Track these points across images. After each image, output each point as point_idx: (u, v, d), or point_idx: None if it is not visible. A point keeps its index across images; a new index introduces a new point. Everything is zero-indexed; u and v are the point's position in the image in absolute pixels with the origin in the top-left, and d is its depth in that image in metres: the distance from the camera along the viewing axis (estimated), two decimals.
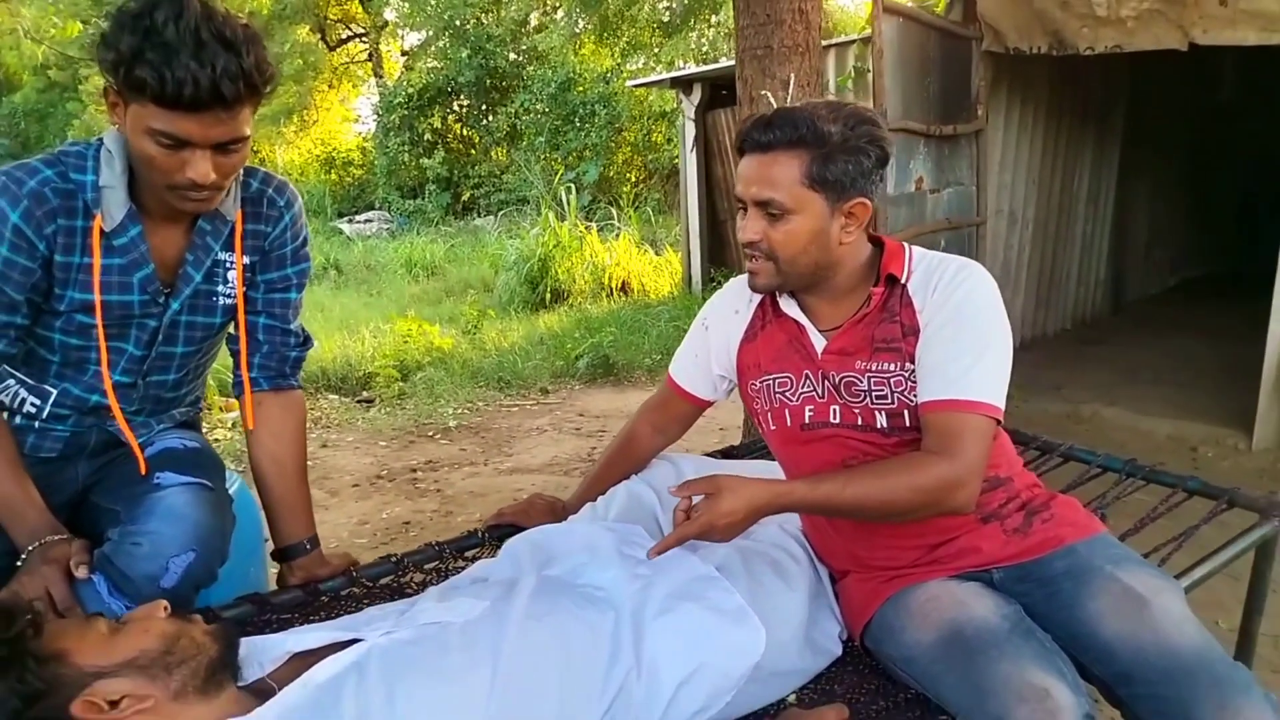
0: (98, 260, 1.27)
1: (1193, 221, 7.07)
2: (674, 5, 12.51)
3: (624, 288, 7.54)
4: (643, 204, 10.86)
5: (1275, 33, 3.21)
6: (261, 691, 0.98)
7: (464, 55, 13.65)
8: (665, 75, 8.13)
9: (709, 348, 1.54)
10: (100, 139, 1.28)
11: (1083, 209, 5.54)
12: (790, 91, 2.52)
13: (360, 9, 16.94)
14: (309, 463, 1.45)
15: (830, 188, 1.27)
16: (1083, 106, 5.17)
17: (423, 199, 13.76)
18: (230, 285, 1.39)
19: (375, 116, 14.63)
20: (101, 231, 1.26)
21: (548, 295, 7.26)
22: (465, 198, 13.83)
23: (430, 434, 4.18)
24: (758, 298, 1.47)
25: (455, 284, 8.33)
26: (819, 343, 1.37)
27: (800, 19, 2.51)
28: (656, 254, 8.17)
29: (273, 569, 1.59)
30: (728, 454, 2.04)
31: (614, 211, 9.36)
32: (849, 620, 1.39)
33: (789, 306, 1.41)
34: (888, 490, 1.22)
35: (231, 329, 1.46)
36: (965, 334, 1.27)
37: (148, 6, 1.09)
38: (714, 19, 12.31)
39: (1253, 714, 1.09)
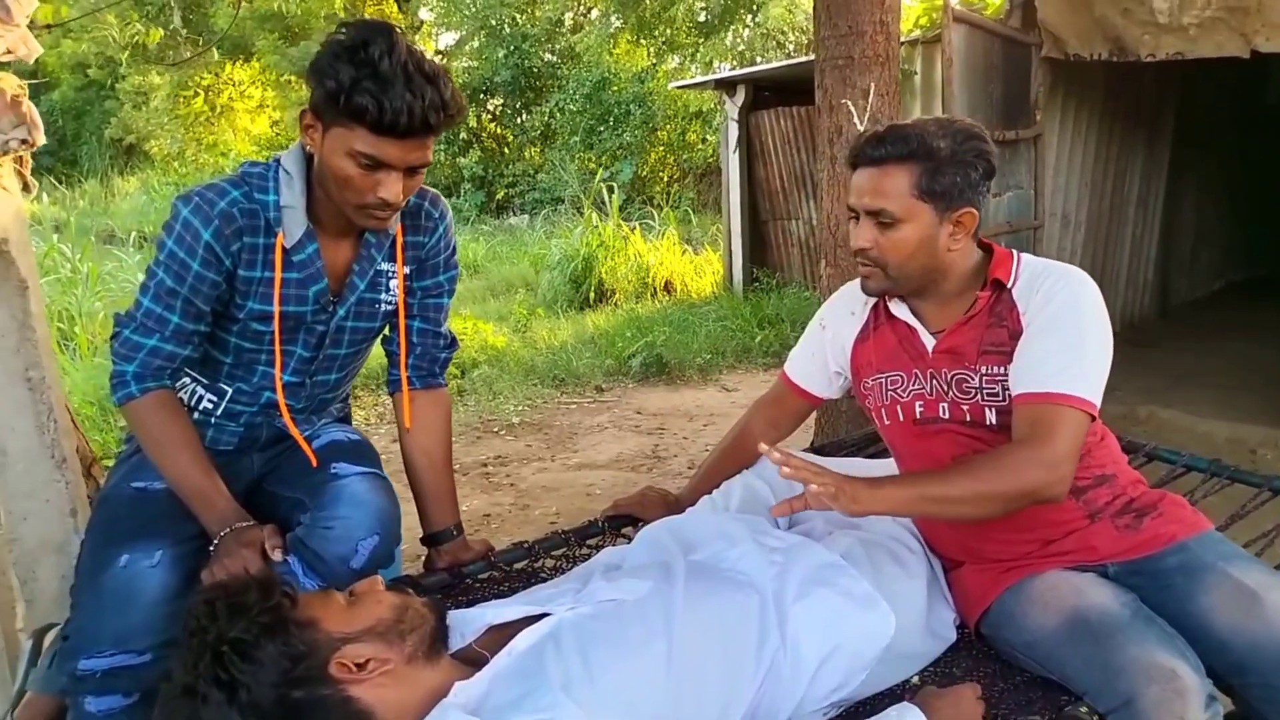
0: (279, 275, 1.36)
1: (1239, 224, 7.03)
2: (711, 5, 12.52)
3: (667, 287, 7.60)
4: (679, 203, 10.92)
5: None
6: (470, 659, 1.08)
7: (500, 55, 13.75)
8: (710, 77, 8.18)
9: (826, 346, 1.62)
10: (278, 159, 1.37)
11: (1132, 212, 5.53)
12: (870, 100, 2.59)
13: (396, 9, 17.10)
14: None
15: (939, 198, 1.36)
16: (1135, 110, 5.16)
17: (458, 198, 13.87)
18: (392, 293, 1.48)
19: None
20: (282, 248, 1.36)
21: (592, 294, 7.33)
22: (500, 196, 13.94)
23: (495, 430, 4.30)
24: (872, 301, 1.56)
25: (498, 283, 8.43)
26: (929, 343, 1.45)
27: (881, 30, 2.57)
28: (695, 253, 8.24)
29: (409, 553, 1.69)
30: (821, 451, 2.14)
31: (653, 211, 9.44)
32: (964, 608, 1.46)
33: (899, 310, 1.49)
34: (978, 481, 1.25)
35: (388, 331, 1.56)
36: (1062, 333, 1.33)
37: (361, 40, 1.18)
38: (751, 20, 12.32)
39: None
